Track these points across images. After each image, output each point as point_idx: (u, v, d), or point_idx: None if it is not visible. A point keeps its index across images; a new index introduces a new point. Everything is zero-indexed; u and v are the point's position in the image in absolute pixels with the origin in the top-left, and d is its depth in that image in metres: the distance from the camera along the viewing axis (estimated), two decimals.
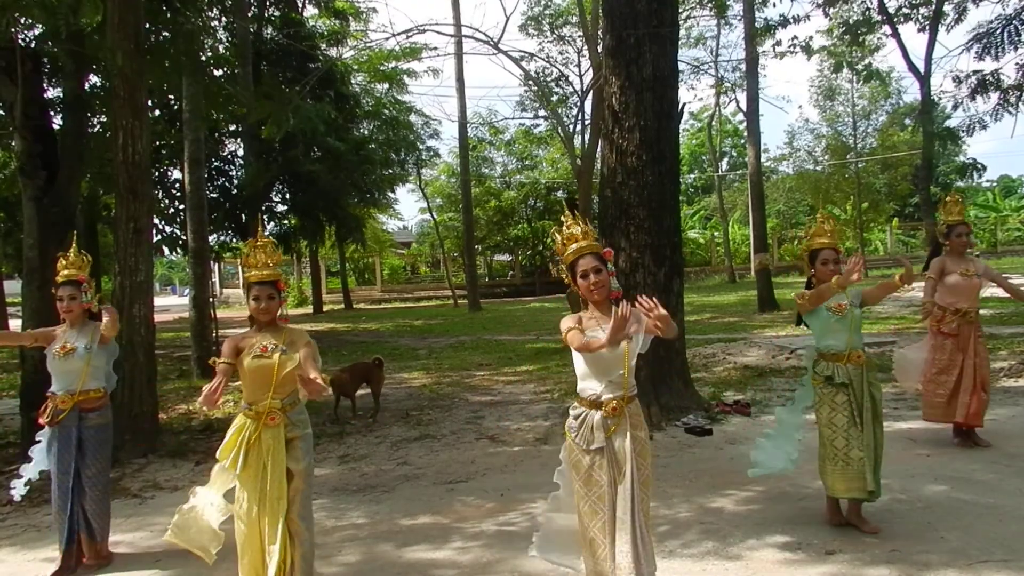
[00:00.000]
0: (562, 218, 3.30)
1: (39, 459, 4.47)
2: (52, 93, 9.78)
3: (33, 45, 8.18)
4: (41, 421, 4.33)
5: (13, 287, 26.70)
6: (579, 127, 24.98)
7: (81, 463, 4.28)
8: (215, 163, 19.46)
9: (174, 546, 3.82)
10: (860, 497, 4.21)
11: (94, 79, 9.95)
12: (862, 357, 4.31)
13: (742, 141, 39.65)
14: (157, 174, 16.88)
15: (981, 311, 6.25)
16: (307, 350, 3.49)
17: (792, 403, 4.63)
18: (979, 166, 18.66)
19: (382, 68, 22.58)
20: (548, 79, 26.61)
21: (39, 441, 4.46)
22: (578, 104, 25.33)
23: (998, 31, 11.45)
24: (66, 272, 4.41)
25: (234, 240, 21.19)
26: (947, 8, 15.37)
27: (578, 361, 3.17)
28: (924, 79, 16.18)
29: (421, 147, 29.84)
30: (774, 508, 4.69)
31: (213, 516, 3.65)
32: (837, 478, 4.21)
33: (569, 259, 3.21)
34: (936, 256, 6.07)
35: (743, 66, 22.63)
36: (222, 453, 3.54)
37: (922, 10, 15.95)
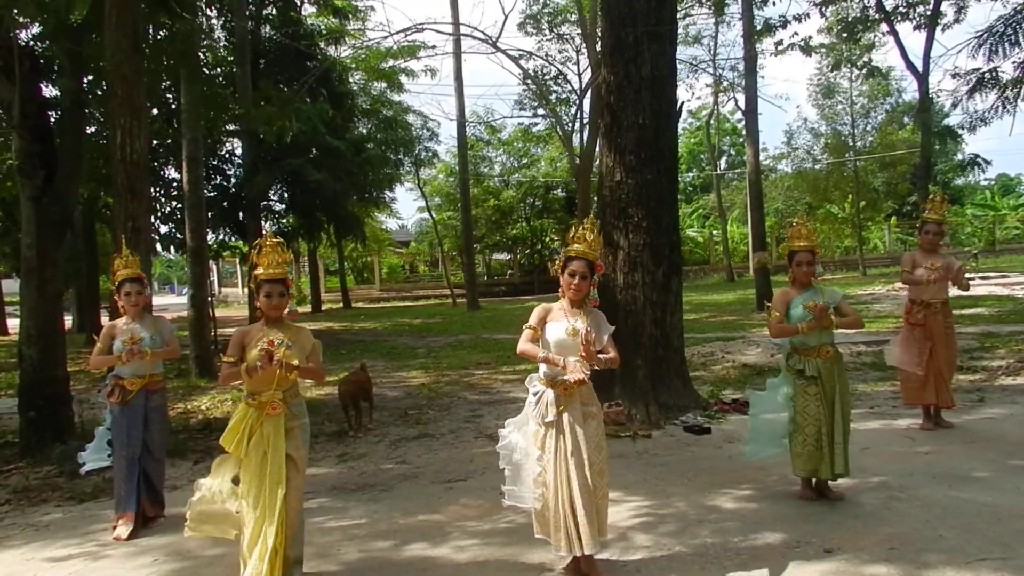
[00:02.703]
0: (585, 220, 3.91)
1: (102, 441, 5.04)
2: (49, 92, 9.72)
3: (31, 44, 8.17)
4: (112, 401, 4.87)
5: (11, 286, 26.79)
6: (578, 126, 25.00)
7: (148, 437, 4.91)
8: (213, 162, 19.42)
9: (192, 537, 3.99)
10: (824, 477, 4.65)
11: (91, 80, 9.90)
12: (831, 352, 4.68)
13: (740, 140, 39.71)
14: (154, 174, 16.84)
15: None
16: (313, 349, 3.84)
17: (767, 391, 4.92)
18: (981, 162, 18.49)
19: (380, 67, 22.55)
20: (547, 77, 26.60)
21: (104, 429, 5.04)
22: (577, 103, 25.35)
23: (1002, 30, 11.45)
24: (128, 271, 4.93)
25: (232, 239, 21.16)
26: (945, 7, 15.41)
27: (543, 345, 3.77)
28: (922, 77, 16.21)
29: (419, 147, 29.82)
30: (773, 506, 4.70)
31: (227, 503, 3.82)
32: (804, 460, 4.65)
33: (568, 255, 3.79)
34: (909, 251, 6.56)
35: (741, 65, 22.64)
36: (225, 439, 3.72)
37: (919, 8, 15.98)
